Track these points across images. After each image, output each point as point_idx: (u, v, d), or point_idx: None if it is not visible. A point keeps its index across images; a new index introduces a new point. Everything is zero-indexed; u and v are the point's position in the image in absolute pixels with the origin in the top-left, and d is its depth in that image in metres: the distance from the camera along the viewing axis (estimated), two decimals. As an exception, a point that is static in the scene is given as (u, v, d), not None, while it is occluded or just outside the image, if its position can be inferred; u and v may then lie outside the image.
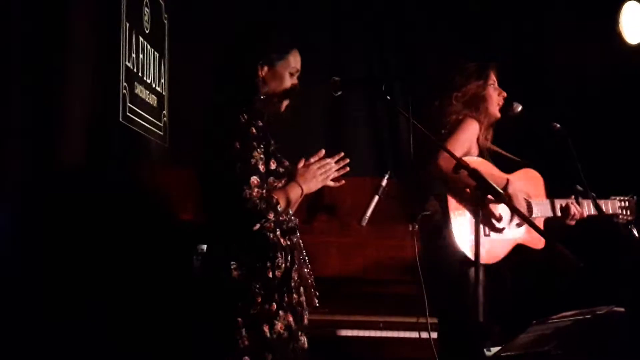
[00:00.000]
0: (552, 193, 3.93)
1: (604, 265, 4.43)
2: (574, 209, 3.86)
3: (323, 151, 3.14)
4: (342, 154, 3.15)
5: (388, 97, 3.20)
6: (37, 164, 3.30)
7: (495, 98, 3.87)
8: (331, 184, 3.14)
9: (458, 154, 3.62)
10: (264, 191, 2.91)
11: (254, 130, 2.94)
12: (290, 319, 3.00)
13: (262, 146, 2.96)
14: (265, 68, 3.06)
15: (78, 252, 3.37)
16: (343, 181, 3.16)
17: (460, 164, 2.97)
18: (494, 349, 3.03)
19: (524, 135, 4.35)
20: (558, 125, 3.92)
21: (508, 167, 3.87)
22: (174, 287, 3.72)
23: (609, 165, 4.65)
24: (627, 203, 4.06)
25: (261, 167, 2.93)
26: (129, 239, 3.64)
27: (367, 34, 5.38)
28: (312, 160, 3.12)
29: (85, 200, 3.46)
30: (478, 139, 3.83)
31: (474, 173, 2.91)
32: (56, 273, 3.27)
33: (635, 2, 4.92)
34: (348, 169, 3.15)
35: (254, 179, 2.89)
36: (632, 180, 4.38)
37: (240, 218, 2.92)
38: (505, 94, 3.88)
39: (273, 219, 2.94)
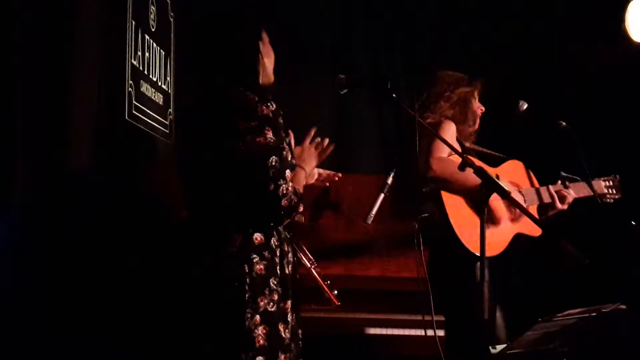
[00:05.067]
0: (539, 181, 3.98)
1: (610, 262, 4.43)
2: (563, 192, 3.92)
3: (314, 130, 3.13)
4: (327, 140, 3.15)
5: (394, 95, 3.21)
6: (42, 162, 3.30)
7: (475, 109, 3.91)
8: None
9: (445, 154, 3.63)
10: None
11: (281, 120, 2.85)
12: (294, 317, 2.93)
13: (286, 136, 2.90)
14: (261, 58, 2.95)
15: (84, 250, 3.37)
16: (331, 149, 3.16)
17: (466, 162, 2.97)
18: (500, 347, 3.04)
19: (530, 133, 4.35)
20: (564, 123, 3.93)
21: (490, 163, 3.90)
22: (182, 286, 3.71)
23: (611, 163, 4.65)
24: (611, 182, 4.13)
25: (290, 159, 2.87)
26: (135, 236, 3.64)
27: (373, 32, 5.38)
28: (306, 140, 3.11)
29: (91, 198, 3.47)
30: (458, 139, 3.85)
31: (480, 171, 2.91)
32: (61, 273, 3.28)
33: (641, 0, 4.92)
34: (333, 146, 3.15)
35: (289, 173, 2.81)
36: (638, 176, 4.38)
37: (274, 213, 2.80)
38: (483, 109, 3.91)
39: (302, 211, 2.88)
